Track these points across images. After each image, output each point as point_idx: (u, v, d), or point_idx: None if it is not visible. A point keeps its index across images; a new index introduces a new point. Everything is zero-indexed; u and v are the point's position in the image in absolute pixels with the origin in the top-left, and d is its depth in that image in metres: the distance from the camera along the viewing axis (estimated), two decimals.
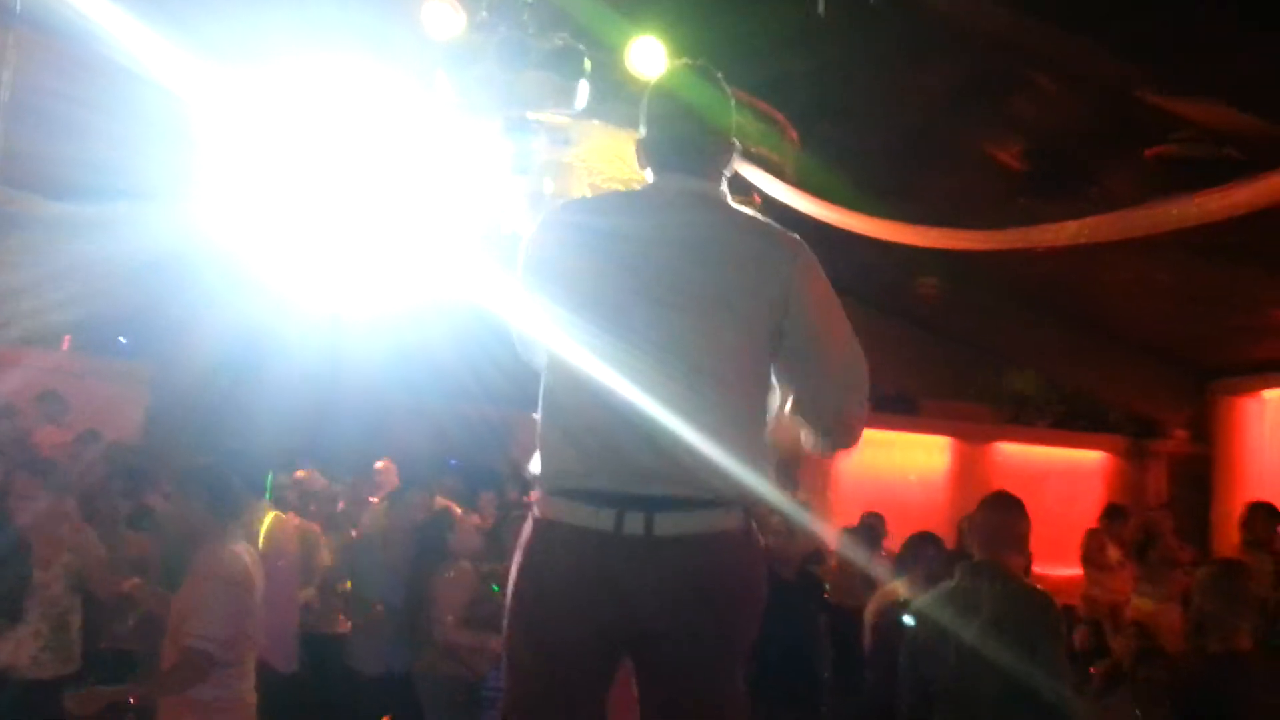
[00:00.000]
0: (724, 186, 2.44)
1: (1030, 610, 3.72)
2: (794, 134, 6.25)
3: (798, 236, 2.39)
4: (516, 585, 2.33)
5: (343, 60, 5.75)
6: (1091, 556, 8.45)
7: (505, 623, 2.35)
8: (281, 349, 7.63)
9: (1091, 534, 8.56)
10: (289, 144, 5.91)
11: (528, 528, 2.36)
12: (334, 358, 7.83)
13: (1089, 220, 4.53)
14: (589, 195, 6.96)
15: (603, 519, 2.22)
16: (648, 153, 2.45)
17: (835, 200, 5.76)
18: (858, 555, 5.98)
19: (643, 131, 2.47)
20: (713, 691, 2.30)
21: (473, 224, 6.23)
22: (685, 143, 2.41)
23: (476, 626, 5.02)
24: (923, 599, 4.00)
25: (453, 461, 8.72)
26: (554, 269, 2.33)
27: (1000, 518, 3.90)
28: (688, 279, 2.27)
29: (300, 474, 6.45)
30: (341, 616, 6.06)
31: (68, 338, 9.80)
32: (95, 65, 5.53)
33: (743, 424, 2.28)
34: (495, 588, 5.05)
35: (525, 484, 9.25)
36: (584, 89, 5.21)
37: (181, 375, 7.86)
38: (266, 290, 6.45)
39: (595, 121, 6.31)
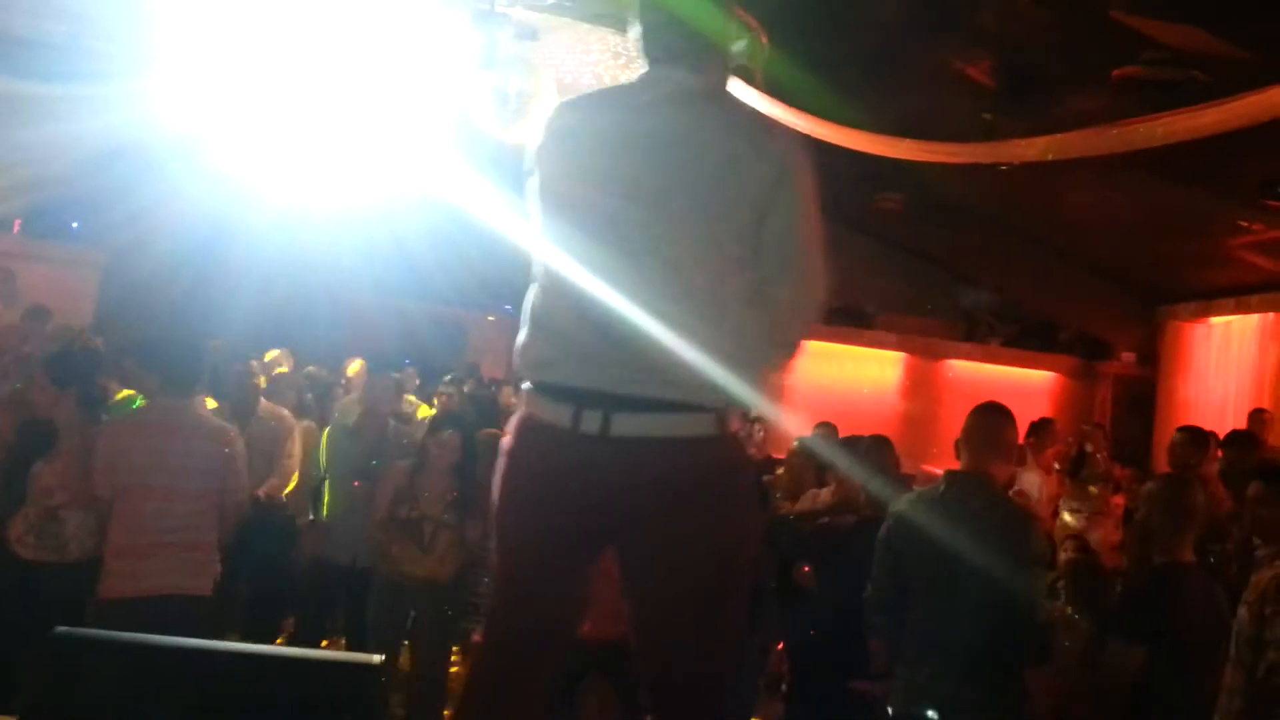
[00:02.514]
0: (719, 78, 2.39)
1: (1014, 530, 3.75)
2: (765, 39, 6.18)
3: (793, 137, 2.35)
4: (500, 477, 2.34)
5: None
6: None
7: (494, 509, 2.37)
8: (246, 241, 7.54)
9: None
10: (254, 32, 5.76)
11: (511, 421, 2.38)
12: (300, 251, 7.74)
13: (1056, 137, 4.55)
14: (555, 92, 6.89)
15: (561, 414, 2.21)
16: (641, 44, 2.42)
17: (804, 109, 5.74)
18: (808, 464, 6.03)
19: (635, 23, 2.43)
20: (690, 609, 2.24)
21: (440, 118, 6.15)
22: (672, 33, 2.36)
23: (395, 529, 5.04)
24: (907, 501, 4.05)
25: (408, 361, 8.74)
26: (541, 172, 2.34)
27: (990, 423, 3.92)
28: (655, 176, 2.23)
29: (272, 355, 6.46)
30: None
31: (18, 221, 9.62)
32: None
33: (717, 324, 2.20)
34: None
35: (483, 381, 9.29)
36: None
37: (137, 263, 7.74)
38: (230, 180, 6.34)
39: (563, 18, 6.22)
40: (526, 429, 2.30)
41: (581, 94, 2.49)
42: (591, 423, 2.18)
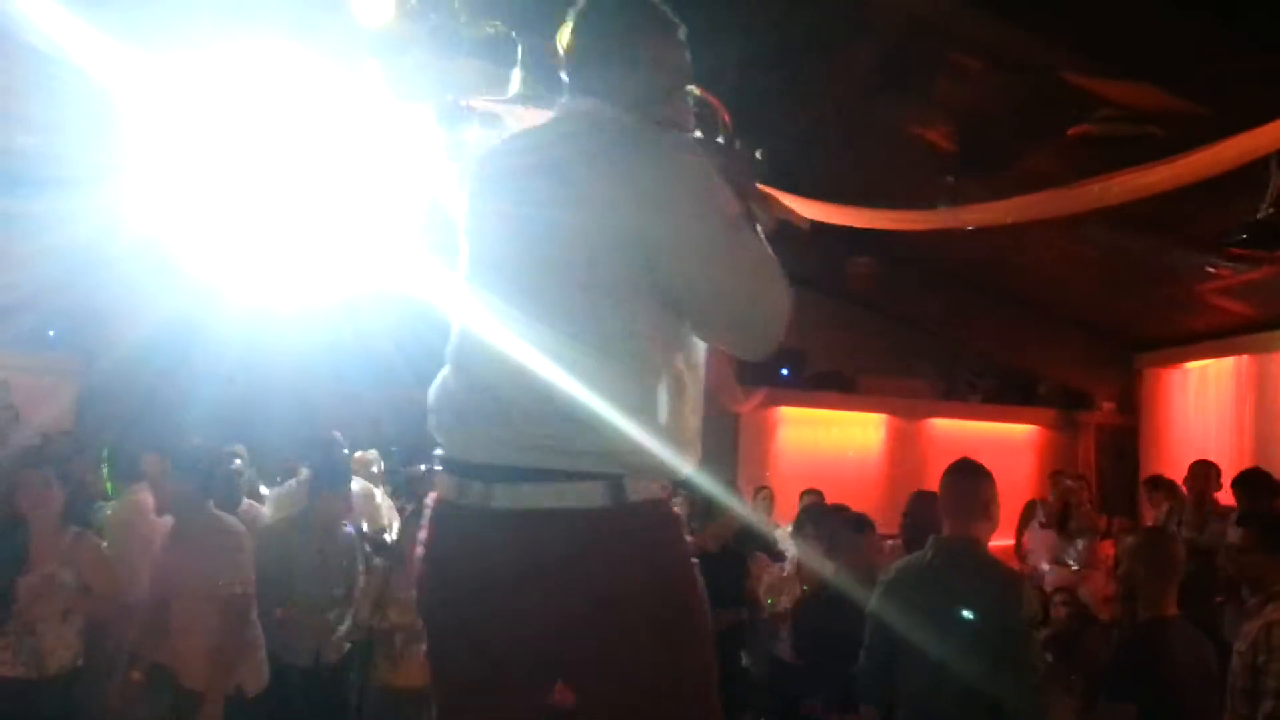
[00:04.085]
0: (621, 100, 2.16)
1: (1003, 593, 3.74)
2: (726, 117, 6.27)
3: (672, 138, 2.13)
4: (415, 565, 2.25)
5: (271, 47, 5.67)
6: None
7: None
8: (210, 339, 7.56)
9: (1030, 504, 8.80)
10: (217, 132, 5.81)
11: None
12: (265, 348, 7.76)
13: (1015, 200, 4.61)
14: None
15: (449, 488, 2.10)
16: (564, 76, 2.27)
17: (766, 182, 5.78)
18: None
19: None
20: (594, 699, 2.03)
21: (405, 212, 6.19)
22: (567, 55, 2.23)
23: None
24: (895, 569, 4.02)
25: (393, 449, 8.71)
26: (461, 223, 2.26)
27: (964, 486, 3.92)
28: (532, 226, 2.05)
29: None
30: None
31: None
32: (11, 50, 5.40)
33: (611, 384, 1.98)
34: None
35: None
36: (517, 76, 5.19)
37: (108, 367, 7.74)
38: (195, 280, 6.36)
39: (530, 107, 6.28)
40: (431, 506, 2.19)
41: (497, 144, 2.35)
42: (474, 495, 2.04)
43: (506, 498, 1.99)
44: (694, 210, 2.00)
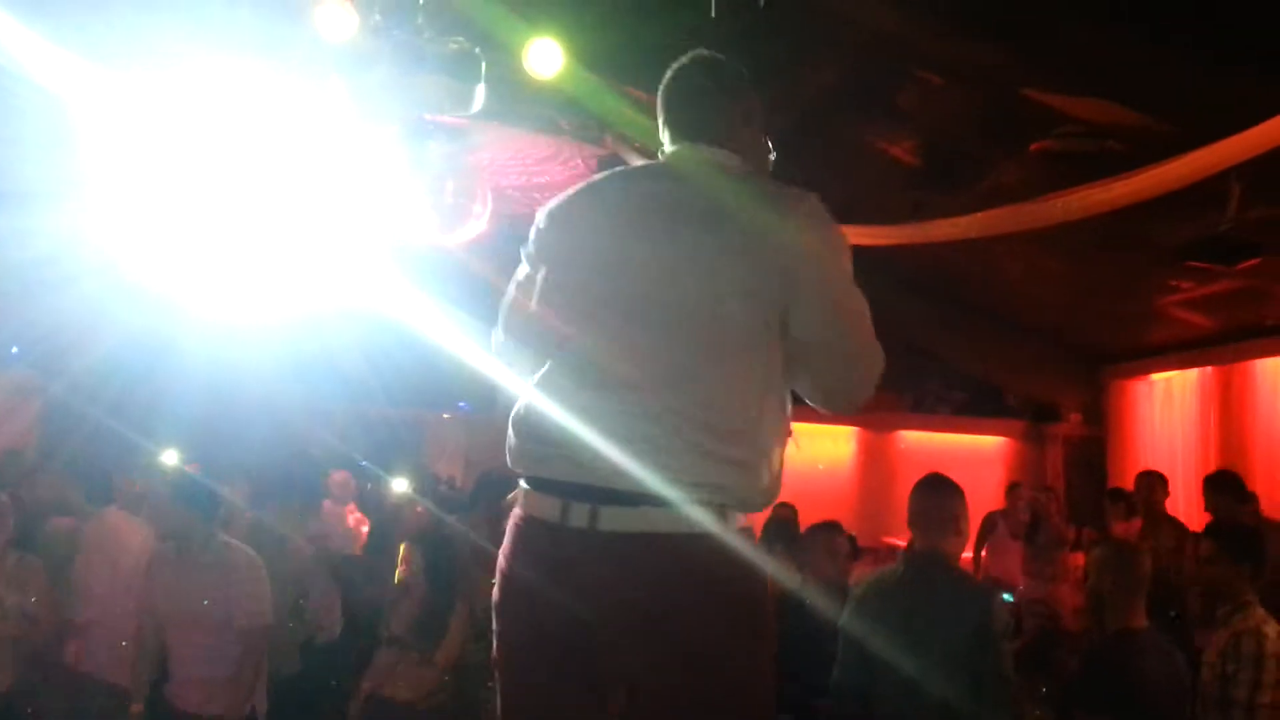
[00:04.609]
0: (738, 151, 2.33)
1: (974, 606, 3.72)
2: None
3: (809, 197, 2.20)
4: (497, 578, 2.26)
5: (234, 62, 5.63)
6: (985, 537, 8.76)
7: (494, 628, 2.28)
8: (175, 356, 7.49)
9: (989, 516, 8.83)
10: (179, 148, 5.76)
11: (510, 519, 2.30)
12: (231, 365, 7.69)
13: (979, 215, 4.65)
14: (490, 196, 6.95)
15: (551, 509, 2.14)
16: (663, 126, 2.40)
17: None
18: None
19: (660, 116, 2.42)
20: (688, 711, 2.08)
21: (372, 228, 6.16)
22: (681, 102, 2.38)
23: None
24: (867, 584, 4.02)
25: (363, 462, 8.66)
26: (550, 255, 2.29)
27: (932, 500, 3.91)
28: (667, 253, 2.14)
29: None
30: None
31: None
32: None
33: (739, 422, 2.10)
34: None
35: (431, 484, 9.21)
36: (481, 92, 5.18)
37: (69, 384, 7.66)
38: (159, 297, 6.30)
39: (495, 123, 6.28)
40: (520, 525, 2.22)
41: (594, 180, 2.42)
42: (580, 517, 2.10)
43: (614, 520, 2.07)
44: (832, 265, 2.19)
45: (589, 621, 2.08)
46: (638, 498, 2.05)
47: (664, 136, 2.40)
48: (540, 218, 2.35)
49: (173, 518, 4.66)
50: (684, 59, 2.42)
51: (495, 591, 2.25)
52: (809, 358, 2.20)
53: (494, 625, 2.26)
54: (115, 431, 6.59)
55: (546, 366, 2.23)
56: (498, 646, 2.26)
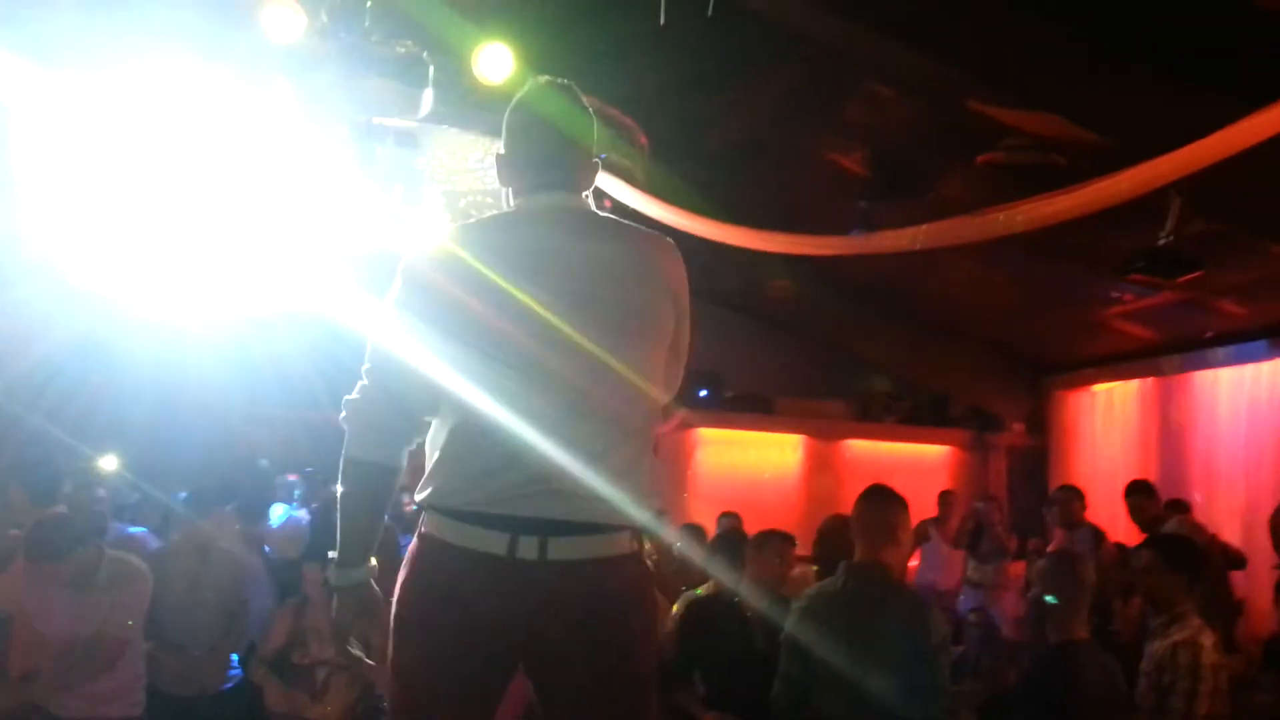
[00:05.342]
0: (589, 200, 2.45)
1: (912, 618, 3.76)
2: (644, 139, 6.30)
3: (677, 255, 2.42)
4: (403, 606, 2.28)
5: (178, 62, 5.54)
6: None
7: (391, 642, 2.29)
8: (116, 361, 7.36)
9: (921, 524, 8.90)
10: (121, 149, 5.67)
11: (414, 546, 2.31)
12: (174, 369, 7.58)
13: (923, 227, 4.69)
14: (442, 201, 6.90)
15: (495, 542, 2.20)
16: (510, 170, 2.44)
17: (683, 204, 5.83)
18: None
19: (503, 149, 2.44)
20: (621, 712, 2.30)
21: (319, 231, 6.09)
22: (551, 159, 2.39)
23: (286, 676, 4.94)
24: (808, 595, 4.02)
25: (263, 462, 8.56)
26: (437, 298, 2.26)
27: (876, 511, 3.94)
28: (592, 306, 2.26)
29: None
30: None
31: None
32: None
33: (636, 450, 2.31)
34: None
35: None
36: (428, 97, 5.14)
37: (6, 389, 7.50)
38: (98, 301, 6.19)
39: (443, 126, 6.24)
40: (446, 556, 2.24)
41: (463, 224, 2.50)
42: (528, 549, 2.20)
43: (563, 549, 2.22)
44: (687, 306, 2.43)
45: (524, 637, 2.23)
46: (580, 527, 2.23)
47: (506, 170, 2.49)
48: (425, 252, 2.34)
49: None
50: (533, 90, 2.49)
51: (402, 608, 2.28)
52: (673, 377, 2.47)
53: (392, 645, 2.29)
54: (54, 437, 6.48)
55: (452, 410, 2.26)
56: (400, 666, 2.30)
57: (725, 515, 8.09)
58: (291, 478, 8.18)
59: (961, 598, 8.32)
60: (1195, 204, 5.54)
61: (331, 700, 4.78)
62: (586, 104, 2.45)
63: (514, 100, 2.48)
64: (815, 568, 5.07)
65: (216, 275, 6.14)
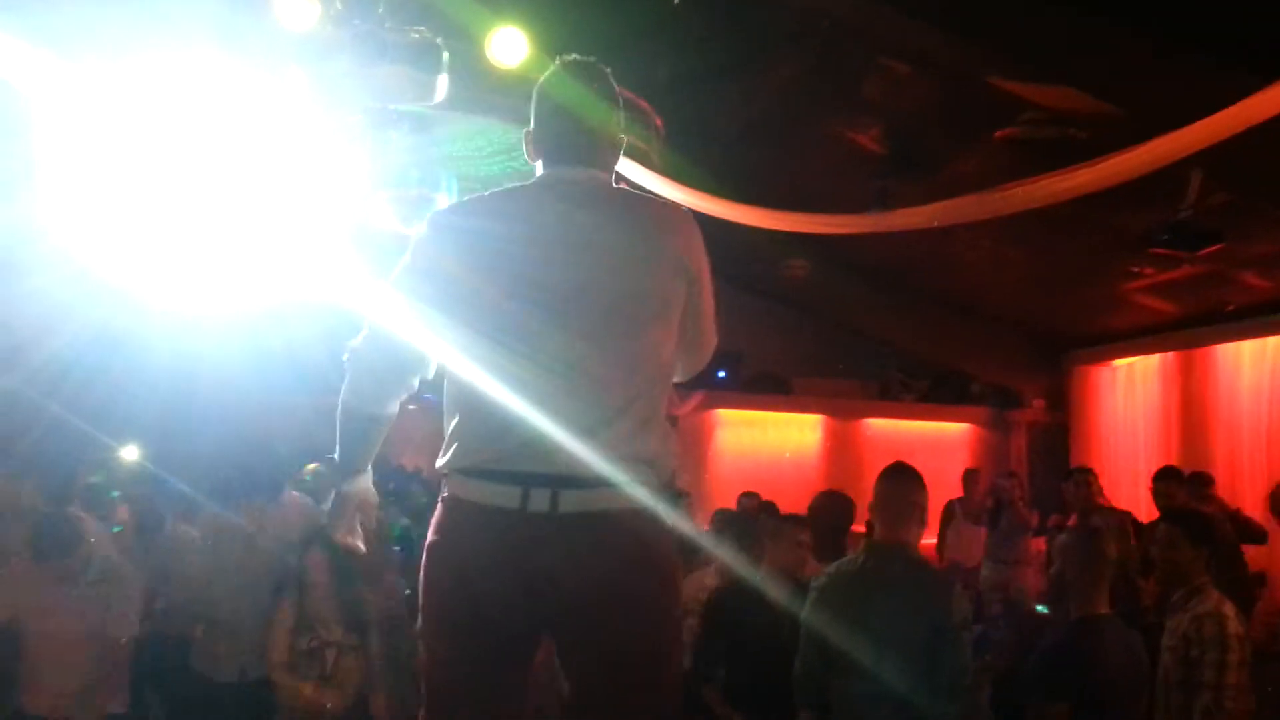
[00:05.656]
0: (613, 174, 2.50)
1: (934, 597, 3.74)
2: (659, 121, 6.28)
3: (694, 229, 2.46)
4: (428, 568, 2.36)
5: (193, 52, 5.55)
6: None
7: (420, 605, 2.38)
8: (134, 351, 7.40)
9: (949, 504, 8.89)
10: (138, 139, 5.68)
11: (438, 511, 2.39)
12: (191, 358, 7.62)
13: (941, 204, 4.66)
14: (456, 185, 6.90)
15: (508, 496, 2.26)
16: (536, 146, 2.51)
17: (699, 186, 5.81)
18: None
19: (531, 125, 2.52)
20: (636, 673, 2.32)
21: (335, 219, 6.10)
22: (572, 136, 2.45)
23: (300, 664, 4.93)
24: (828, 575, 4.02)
25: (329, 457, 8.57)
26: (441, 275, 2.35)
27: (896, 490, 3.91)
28: (566, 279, 2.30)
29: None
30: None
31: None
32: None
33: (648, 424, 2.35)
34: None
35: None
36: (443, 83, 5.14)
37: (25, 379, 7.55)
38: (116, 291, 6.21)
39: (458, 112, 6.24)
40: (463, 512, 2.33)
41: (474, 196, 2.52)
42: (540, 501, 2.25)
43: (572, 502, 2.26)
44: (707, 279, 2.48)
45: (542, 592, 2.27)
46: (590, 480, 2.26)
47: (533, 146, 2.55)
48: (430, 227, 2.43)
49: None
50: (559, 69, 2.54)
51: (429, 570, 2.37)
52: (694, 345, 2.55)
53: (422, 600, 2.38)
54: (73, 426, 6.51)
55: (461, 386, 2.35)
56: (428, 629, 2.39)
57: (746, 495, 8.11)
58: (313, 466, 8.21)
59: (983, 574, 8.31)
60: (1216, 176, 5.49)
61: (341, 682, 4.81)
62: (613, 83, 2.51)
63: (541, 78, 2.54)
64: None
65: (233, 265, 6.16)
